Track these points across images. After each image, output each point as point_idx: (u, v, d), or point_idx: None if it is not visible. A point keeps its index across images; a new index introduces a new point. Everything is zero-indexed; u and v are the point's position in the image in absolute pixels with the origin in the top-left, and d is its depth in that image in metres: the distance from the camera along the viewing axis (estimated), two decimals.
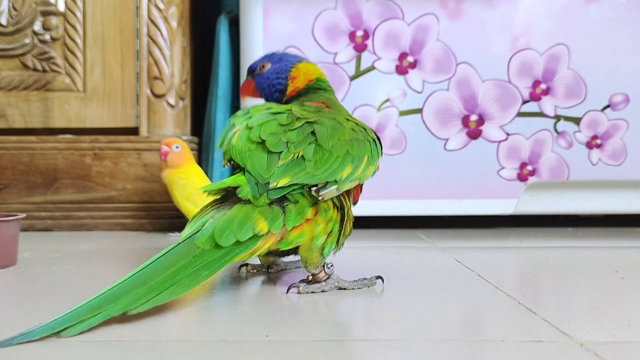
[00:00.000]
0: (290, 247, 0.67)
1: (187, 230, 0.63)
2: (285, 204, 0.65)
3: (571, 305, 0.66)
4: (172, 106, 1.33)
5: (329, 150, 0.67)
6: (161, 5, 1.32)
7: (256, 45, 1.22)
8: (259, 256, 0.79)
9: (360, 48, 1.22)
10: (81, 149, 1.31)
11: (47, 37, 1.31)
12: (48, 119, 1.32)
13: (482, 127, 1.22)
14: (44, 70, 1.32)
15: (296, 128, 0.68)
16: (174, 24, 1.33)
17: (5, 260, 0.84)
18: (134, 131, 1.33)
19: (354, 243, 1.12)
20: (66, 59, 1.32)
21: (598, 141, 1.22)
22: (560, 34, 1.22)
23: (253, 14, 1.22)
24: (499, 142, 1.22)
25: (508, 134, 1.22)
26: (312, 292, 0.68)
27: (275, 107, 0.72)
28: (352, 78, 1.22)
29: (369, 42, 1.22)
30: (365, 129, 0.73)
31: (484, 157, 1.22)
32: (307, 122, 0.69)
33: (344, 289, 0.70)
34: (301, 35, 1.22)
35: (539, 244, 1.10)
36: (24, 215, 0.89)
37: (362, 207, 1.25)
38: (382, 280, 0.71)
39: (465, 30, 1.22)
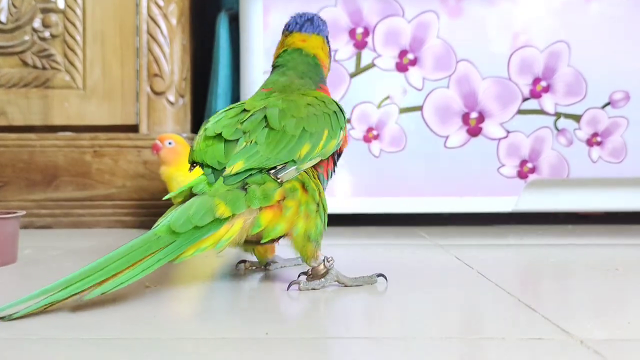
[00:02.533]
0: (267, 234, 0.66)
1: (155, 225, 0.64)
2: (248, 186, 0.65)
3: (571, 303, 0.66)
4: (172, 103, 1.33)
5: (282, 131, 0.67)
6: (161, 3, 1.31)
7: (256, 42, 1.22)
8: (254, 253, 0.79)
9: (360, 45, 1.22)
10: (81, 147, 1.31)
11: (46, 34, 1.31)
12: (48, 116, 1.32)
13: (482, 125, 1.22)
14: (44, 68, 1.31)
15: (248, 117, 0.68)
16: (174, 21, 1.32)
17: (5, 257, 0.84)
18: (134, 128, 1.33)
19: (354, 240, 1.12)
20: (66, 56, 1.32)
21: (598, 139, 1.22)
22: (560, 31, 1.21)
23: (253, 11, 1.22)
24: (499, 139, 1.22)
25: (508, 132, 1.22)
26: (313, 289, 0.68)
27: (231, 106, 0.73)
28: (352, 75, 1.22)
29: (369, 39, 1.22)
30: (324, 102, 0.73)
31: (484, 154, 1.22)
32: (259, 109, 0.69)
33: (344, 284, 0.69)
34: None
35: (539, 242, 1.10)
36: (24, 212, 0.89)
37: (362, 205, 1.26)
38: (385, 279, 0.71)
39: (466, 28, 1.21)
